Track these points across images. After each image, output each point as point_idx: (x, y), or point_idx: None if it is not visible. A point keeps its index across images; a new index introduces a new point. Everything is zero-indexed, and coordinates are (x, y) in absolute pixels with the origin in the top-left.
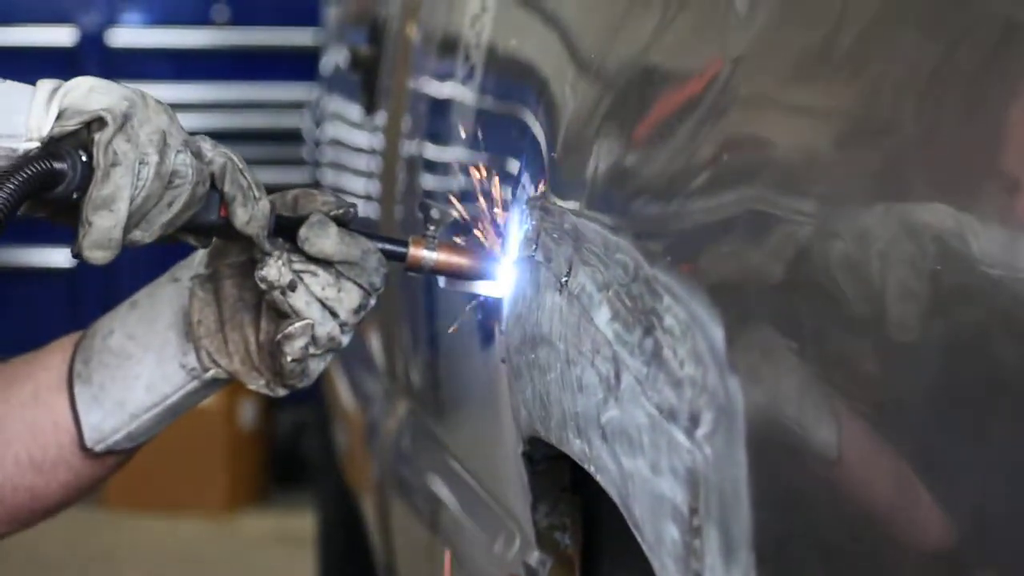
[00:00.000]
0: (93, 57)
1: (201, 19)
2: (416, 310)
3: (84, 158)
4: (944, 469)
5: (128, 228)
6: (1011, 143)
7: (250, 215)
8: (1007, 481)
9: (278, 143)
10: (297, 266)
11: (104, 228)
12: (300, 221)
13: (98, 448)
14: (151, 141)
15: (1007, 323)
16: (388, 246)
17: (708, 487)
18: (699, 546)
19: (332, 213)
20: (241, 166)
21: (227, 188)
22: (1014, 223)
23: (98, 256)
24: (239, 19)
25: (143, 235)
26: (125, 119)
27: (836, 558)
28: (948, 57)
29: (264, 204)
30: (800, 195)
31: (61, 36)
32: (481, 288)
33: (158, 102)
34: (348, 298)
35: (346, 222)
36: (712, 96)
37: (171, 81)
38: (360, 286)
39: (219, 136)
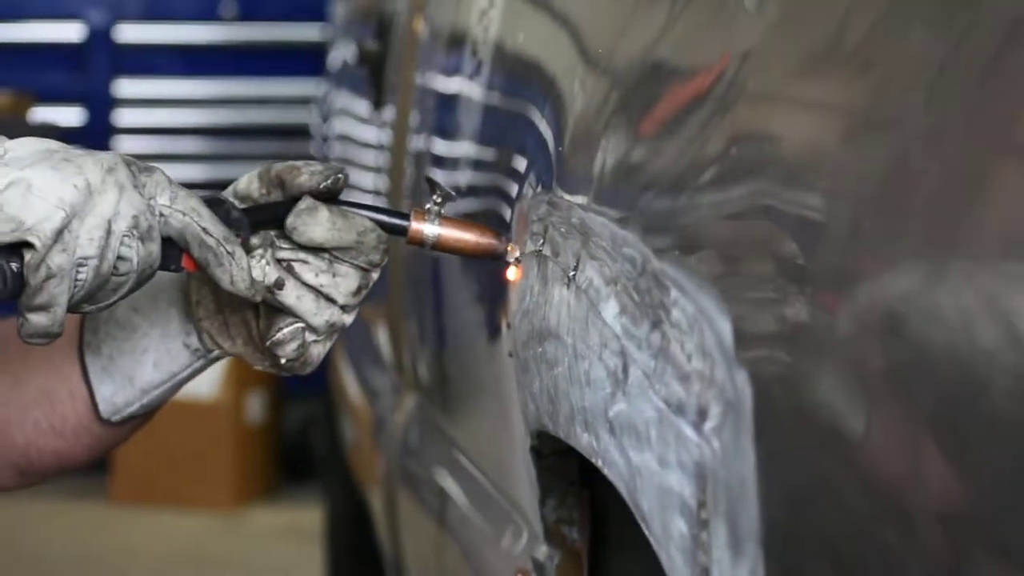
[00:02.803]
0: (101, 53)
1: (208, 15)
2: (423, 303)
3: (15, 267)
4: (954, 466)
5: (75, 309)
6: (1018, 136)
7: (230, 275)
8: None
9: (286, 139)
10: (286, 254)
11: (41, 326)
12: (288, 206)
13: (114, 419)
14: (91, 240)
15: (1011, 312)
16: (388, 219)
17: (716, 481)
18: (707, 539)
19: (322, 186)
20: (204, 224)
21: (196, 254)
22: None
23: (38, 343)
24: (246, 15)
25: (92, 308)
26: (59, 234)
27: (844, 552)
28: (956, 53)
29: (240, 256)
30: (808, 190)
31: (69, 32)
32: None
33: (110, 170)
34: (345, 282)
35: (337, 192)
36: (720, 91)
37: (178, 77)
38: (358, 267)
39: (227, 132)
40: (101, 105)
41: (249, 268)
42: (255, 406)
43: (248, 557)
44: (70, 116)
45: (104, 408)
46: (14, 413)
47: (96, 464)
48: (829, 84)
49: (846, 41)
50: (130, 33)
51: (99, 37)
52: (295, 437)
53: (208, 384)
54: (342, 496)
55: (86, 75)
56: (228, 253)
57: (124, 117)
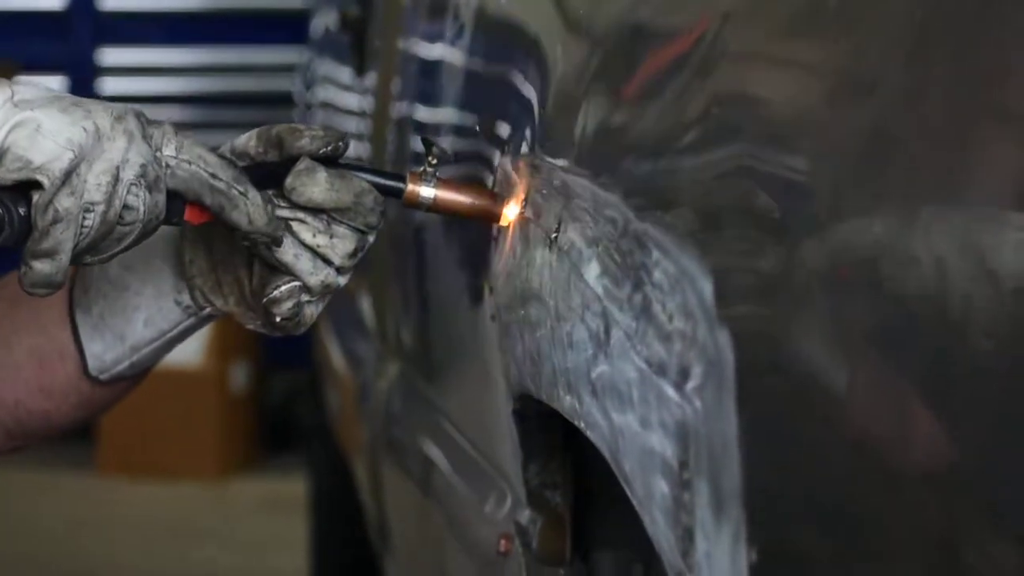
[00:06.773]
0: (84, 21)
1: None
2: (406, 270)
3: (23, 211)
4: (938, 423)
5: (77, 259)
6: (1000, 96)
7: (247, 215)
8: (1004, 445)
9: (269, 107)
10: (284, 213)
11: (45, 274)
12: (287, 165)
13: (103, 377)
14: (99, 186)
15: (995, 266)
16: (384, 181)
17: (698, 441)
18: (689, 500)
19: (322, 151)
20: (212, 170)
21: (208, 202)
22: (1005, 173)
23: (40, 293)
24: None
25: (95, 260)
26: (67, 175)
27: (826, 511)
28: (939, 11)
29: (254, 195)
30: (789, 150)
31: (52, 0)
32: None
33: (119, 118)
34: (342, 244)
35: (336, 157)
36: (701, 52)
37: (161, 45)
38: (355, 228)
39: (211, 100)
40: (85, 74)
41: (261, 205)
42: (239, 376)
43: (232, 527)
44: (53, 85)
45: (93, 366)
46: (4, 372)
47: (83, 427)
48: (810, 44)
49: (827, 1)
50: (113, 1)
51: (82, 5)
52: (279, 407)
53: (192, 354)
54: (326, 465)
55: (69, 44)
56: (241, 194)
57: (108, 86)
